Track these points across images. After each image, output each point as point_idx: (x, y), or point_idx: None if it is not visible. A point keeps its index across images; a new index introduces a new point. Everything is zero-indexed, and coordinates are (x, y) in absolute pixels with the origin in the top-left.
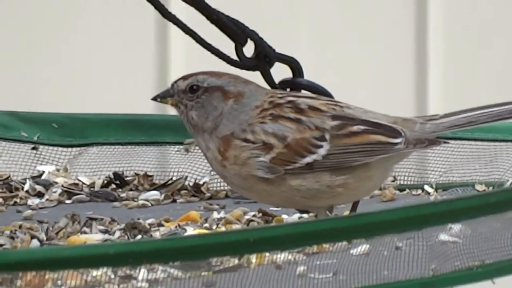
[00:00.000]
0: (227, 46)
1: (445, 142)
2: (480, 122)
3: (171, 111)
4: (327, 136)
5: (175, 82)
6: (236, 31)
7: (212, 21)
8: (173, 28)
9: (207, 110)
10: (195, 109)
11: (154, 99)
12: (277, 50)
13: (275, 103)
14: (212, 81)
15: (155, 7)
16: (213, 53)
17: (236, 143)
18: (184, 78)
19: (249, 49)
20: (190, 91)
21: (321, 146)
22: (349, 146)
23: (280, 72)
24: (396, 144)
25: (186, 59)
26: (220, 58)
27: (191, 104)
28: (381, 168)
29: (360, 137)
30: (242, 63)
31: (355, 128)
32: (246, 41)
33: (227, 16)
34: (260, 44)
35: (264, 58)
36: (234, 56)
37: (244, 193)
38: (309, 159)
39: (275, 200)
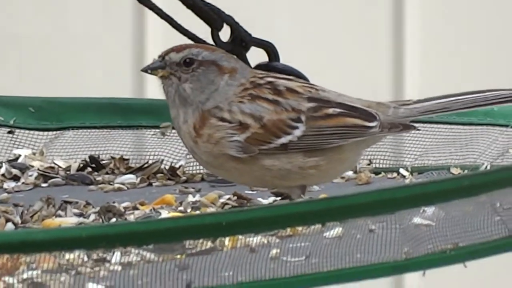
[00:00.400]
0: (204, 31)
1: (418, 129)
2: (454, 109)
3: (148, 94)
4: (303, 118)
5: (166, 54)
6: (212, 16)
7: (188, 6)
8: (150, 13)
9: (203, 84)
10: (190, 81)
11: (144, 70)
12: (253, 35)
13: (255, 83)
14: (207, 55)
15: None
16: (189, 38)
17: (212, 122)
18: (177, 50)
19: (225, 34)
20: (185, 64)
21: (296, 127)
22: (324, 128)
23: (257, 56)
24: (371, 127)
25: (163, 44)
26: (197, 43)
27: (186, 77)
28: (353, 151)
29: (335, 120)
30: (218, 47)
31: (331, 110)
32: (222, 26)
33: (203, 1)
34: (236, 28)
35: (240, 42)
36: (210, 41)
37: (213, 171)
38: (284, 139)
39: (245, 179)
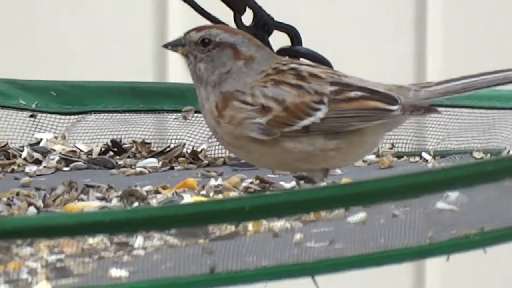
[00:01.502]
0: (226, 14)
1: (440, 113)
2: (475, 88)
3: (170, 78)
4: (326, 100)
5: (188, 32)
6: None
7: None
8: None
9: (215, 65)
10: (204, 61)
11: (165, 46)
12: (276, 19)
13: (278, 69)
14: (225, 37)
15: None
16: (211, 21)
17: (234, 104)
18: (198, 29)
19: (248, 18)
20: (202, 43)
21: (319, 109)
22: (346, 110)
23: (280, 40)
24: (393, 110)
25: (184, 28)
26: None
27: (201, 56)
28: (375, 134)
29: (357, 103)
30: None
31: (353, 93)
32: (245, 10)
33: None
34: (258, 12)
35: (263, 26)
36: (233, 25)
37: (234, 151)
38: (307, 121)
39: (265, 161)
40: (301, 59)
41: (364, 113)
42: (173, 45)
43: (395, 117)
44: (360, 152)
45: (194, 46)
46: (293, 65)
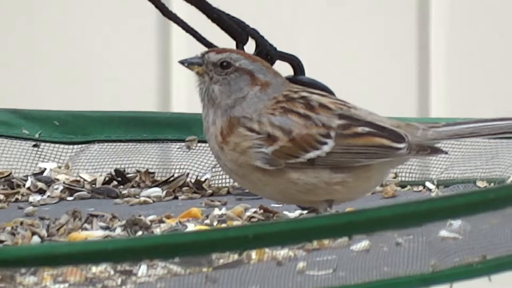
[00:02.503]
0: (229, 44)
1: (446, 153)
2: (482, 134)
3: (174, 108)
4: (332, 134)
5: (207, 53)
6: (237, 29)
7: (213, 20)
8: (175, 27)
9: (232, 89)
10: (220, 84)
11: (182, 62)
12: (278, 48)
13: (289, 96)
14: (245, 63)
15: (156, 6)
16: None
17: (240, 131)
18: (217, 51)
19: (250, 48)
20: (221, 66)
21: (325, 143)
22: (352, 146)
23: (282, 70)
24: (399, 149)
25: (188, 54)
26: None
27: (218, 78)
28: (381, 170)
29: (364, 139)
30: None
31: (360, 129)
32: (247, 40)
33: (228, 15)
34: (261, 42)
35: (265, 56)
36: None
37: (237, 179)
38: (312, 154)
39: (268, 191)
40: None
41: (371, 150)
42: (190, 63)
43: (400, 156)
44: (366, 187)
45: (211, 67)
46: (303, 94)
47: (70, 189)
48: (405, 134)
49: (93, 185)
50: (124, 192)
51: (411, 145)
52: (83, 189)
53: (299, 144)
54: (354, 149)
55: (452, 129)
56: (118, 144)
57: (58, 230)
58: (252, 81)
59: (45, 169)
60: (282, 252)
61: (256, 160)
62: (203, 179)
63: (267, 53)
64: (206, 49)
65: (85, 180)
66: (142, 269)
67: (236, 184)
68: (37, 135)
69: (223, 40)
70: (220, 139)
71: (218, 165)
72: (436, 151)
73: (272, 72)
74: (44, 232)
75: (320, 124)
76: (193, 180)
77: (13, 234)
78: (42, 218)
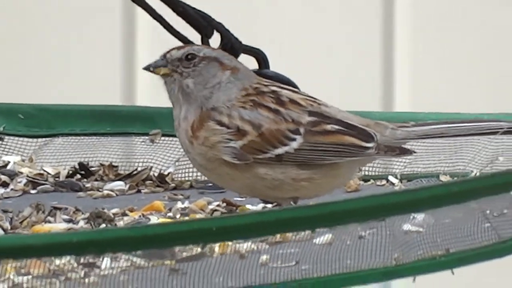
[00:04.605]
0: (194, 35)
1: (415, 152)
2: (450, 135)
3: (138, 101)
4: (302, 130)
5: (168, 52)
6: (203, 23)
7: (179, 13)
8: (140, 20)
9: (206, 78)
10: (192, 76)
11: (146, 68)
12: (243, 42)
13: (259, 90)
14: (208, 52)
15: None
16: (180, 40)
17: (209, 124)
18: (178, 48)
19: (215, 41)
20: (186, 59)
21: (294, 139)
22: (321, 144)
23: (247, 63)
24: (368, 148)
25: (153, 51)
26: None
27: (188, 72)
28: (348, 168)
29: (333, 137)
30: None
31: (329, 126)
32: (212, 33)
33: (193, 8)
34: (226, 36)
35: (230, 49)
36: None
37: (205, 173)
38: (280, 150)
39: (236, 185)
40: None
41: (339, 148)
42: (155, 66)
43: (368, 155)
44: (333, 184)
45: (178, 63)
46: (274, 88)
47: (33, 182)
48: (374, 133)
49: (57, 179)
50: (88, 185)
51: (380, 145)
52: (46, 182)
53: (268, 140)
54: (323, 147)
55: (421, 129)
56: (82, 137)
57: (21, 222)
58: (221, 66)
59: (9, 162)
60: (245, 245)
61: (224, 154)
62: (166, 173)
63: (232, 46)
64: (172, 37)
65: (48, 173)
66: (105, 262)
67: (199, 177)
68: (1, 128)
69: (189, 33)
70: (190, 133)
71: (181, 159)
72: (404, 151)
73: (234, 58)
74: (7, 225)
75: (290, 119)
76: (156, 174)
77: None
78: (5, 211)
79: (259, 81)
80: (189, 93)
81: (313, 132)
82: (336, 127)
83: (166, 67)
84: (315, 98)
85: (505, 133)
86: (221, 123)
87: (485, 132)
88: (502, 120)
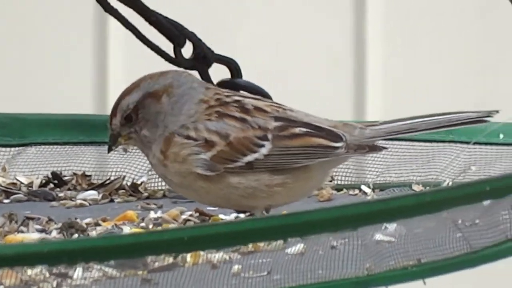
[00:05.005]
0: (166, 47)
1: (386, 148)
2: (420, 130)
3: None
4: (270, 136)
5: (110, 124)
6: (175, 32)
7: (151, 23)
8: (112, 29)
9: (153, 120)
10: (143, 127)
11: (110, 151)
12: (216, 51)
13: (222, 101)
14: (134, 97)
15: (98, 1)
16: (152, 49)
17: (177, 140)
18: (113, 114)
19: (188, 50)
20: (127, 120)
21: (263, 146)
22: (290, 147)
23: (220, 73)
24: (337, 148)
25: (125, 58)
26: (159, 55)
27: (137, 127)
28: (320, 170)
29: (301, 140)
30: (180, 63)
31: (297, 130)
32: (184, 43)
33: (166, 18)
34: (198, 45)
35: (203, 59)
36: (173, 56)
37: (184, 192)
38: (250, 157)
39: (212, 198)
40: (241, 92)
41: (309, 150)
42: (113, 143)
43: (338, 155)
44: (306, 187)
45: (125, 127)
46: (236, 98)
47: (6, 191)
48: (343, 134)
49: (30, 188)
50: (61, 195)
51: (349, 144)
52: (19, 191)
53: (236, 148)
54: (292, 150)
55: (389, 126)
56: (55, 147)
57: None
58: (155, 98)
59: None
60: (217, 255)
61: (196, 167)
62: (139, 182)
63: (205, 55)
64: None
65: (21, 182)
66: (77, 272)
67: None
68: None
69: (161, 43)
70: (161, 157)
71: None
72: (374, 148)
73: (158, 76)
74: None
75: (256, 126)
76: (129, 183)
77: None
78: None
79: (218, 91)
80: (149, 140)
81: (281, 137)
82: (304, 129)
83: (122, 135)
84: (280, 104)
85: (474, 122)
86: (188, 137)
87: (455, 123)
88: (470, 111)
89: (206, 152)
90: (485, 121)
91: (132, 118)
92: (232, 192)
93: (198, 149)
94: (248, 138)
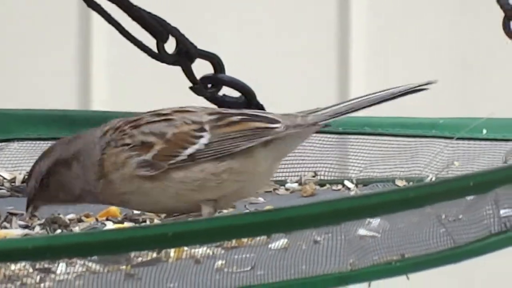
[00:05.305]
0: (150, 39)
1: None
2: (362, 107)
3: (94, 106)
4: (207, 127)
5: (28, 195)
6: (158, 28)
7: (134, 18)
8: (96, 24)
9: (67, 183)
10: (59, 190)
11: (28, 214)
12: (199, 47)
13: (129, 120)
14: (45, 164)
15: None
16: (135, 45)
17: (111, 151)
18: (28, 181)
19: (171, 46)
20: (40, 186)
21: (201, 137)
22: (229, 133)
23: (203, 68)
24: (275, 128)
25: (108, 53)
26: (142, 50)
27: (54, 190)
28: (264, 154)
29: (239, 125)
30: (163, 58)
31: (234, 118)
32: (167, 38)
33: (149, 13)
34: (181, 40)
35: (185, 54)
36: (156, 51)
37: (134, 200)
38: (191, 149)
39: (162, 199)
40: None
41: (247, 132)
42: (33, 209)
43: (278, 134)
44: (255, 173)
45: (42, 193)
46: (144, 115)
47: None
48: (279, 118)
49: (13, 184)
50: None
51: (288, 125)
52: (2, 187)
53: (175, 143)
54: (231, 135)
55: (331, 110)
56: (38, 142)
57: None
58: (65, 164)
59: None
60: (201, 250)
61: (138, 168)
62: None
63: (187, 51)
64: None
65: (4, 178)
66: (60, 267)
67: None
68: None
69: (143, 38)
70: (99, 174)
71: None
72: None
73: (65, 142)
74: None
75: (189, 122)
76: None
77: None
78: None
79: (119, 121)
80: (75, 195)
81: (219, 126)
82: (240, 117)
83: (38, 202)
84: (206, 107)
85: (414, 91)
86: (124, 145)
87: (397, 95)
88: (412, 83)
89: (146, 153)
90: (424, 89)
91: (44, 182)
92: (180, 188)
93: (136, 153)
94: (185, 133)
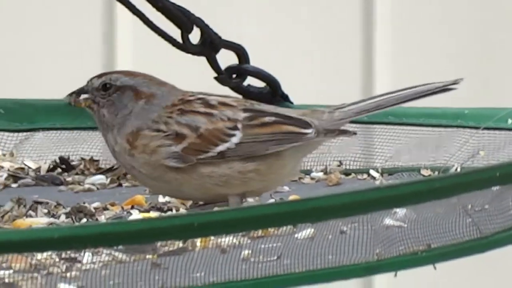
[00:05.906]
0: (174, 30)
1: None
2: (390, 105)
3: None
4: (239, 126)
5: (91, 79)
6: (182, 18)
7: (158, 9)
8: (120, 15)
9: (117, 108)
10: (106, 106)
11: (70, 95)
12: (223, 37)
13: (184, 100)
14: (125, 81)
15: None
16: (160, 35)
17: (145, 133)
18: (99, 76)
19: (195, 36)
20: (103, 88)
21: (233, 135)
22: (261, 135)
23: (228, 59)
24: (307, 133)
25: (133, 43)
26: (167, 40)
27: (103, 102)
28: (292, 157)
29: (271, 127)
30: (188, 49)
31: (267, 119)
32: (192, 28)
33: (173, 4)
34: (206, 31)
35: (210, 44)
36: (180, 41)
37: (152, 184)
38: (221, 147)
39: (185, 189)
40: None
41: (279, 136)
42: (77, 93)
43: (309, 140)
44: (280, 174)
45: (96, 93)
46: (200, 96)
47: (14, 176)
48: (311, 121)
49: (38, 173)
50: (69, 179)
51: (319, 129)
52: (27, 176)
53: (207, 139)
54: (263, 137)
55: (357, 106)
56: (63, 131)
57: (2, 217)
58: (136, 95)
59: None
60: (227, 240)
61: (167, 159)
62: None
63: (212, 41)
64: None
65: (29, 167)
66: (86, 256)
67: None
68: None
69: (168, 29)
70: (128, 147)
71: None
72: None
73: (156, 83)
74: None
75: (225, 118)
76: None
77: None
78: None
79: (183, 94)
80: (106, 122)
81: (251, 126)
82: (273, 118)
83: (87, 99)
84: (246, 100)
85: (441, 91)
86: (158, 130)
87: (423, 94)
88: (436, 82)
89: (177, 144)
90: (451, 89)
91: (108, 91)
92: (206, 182)
93: (168, 142)
94: (218, 129)
